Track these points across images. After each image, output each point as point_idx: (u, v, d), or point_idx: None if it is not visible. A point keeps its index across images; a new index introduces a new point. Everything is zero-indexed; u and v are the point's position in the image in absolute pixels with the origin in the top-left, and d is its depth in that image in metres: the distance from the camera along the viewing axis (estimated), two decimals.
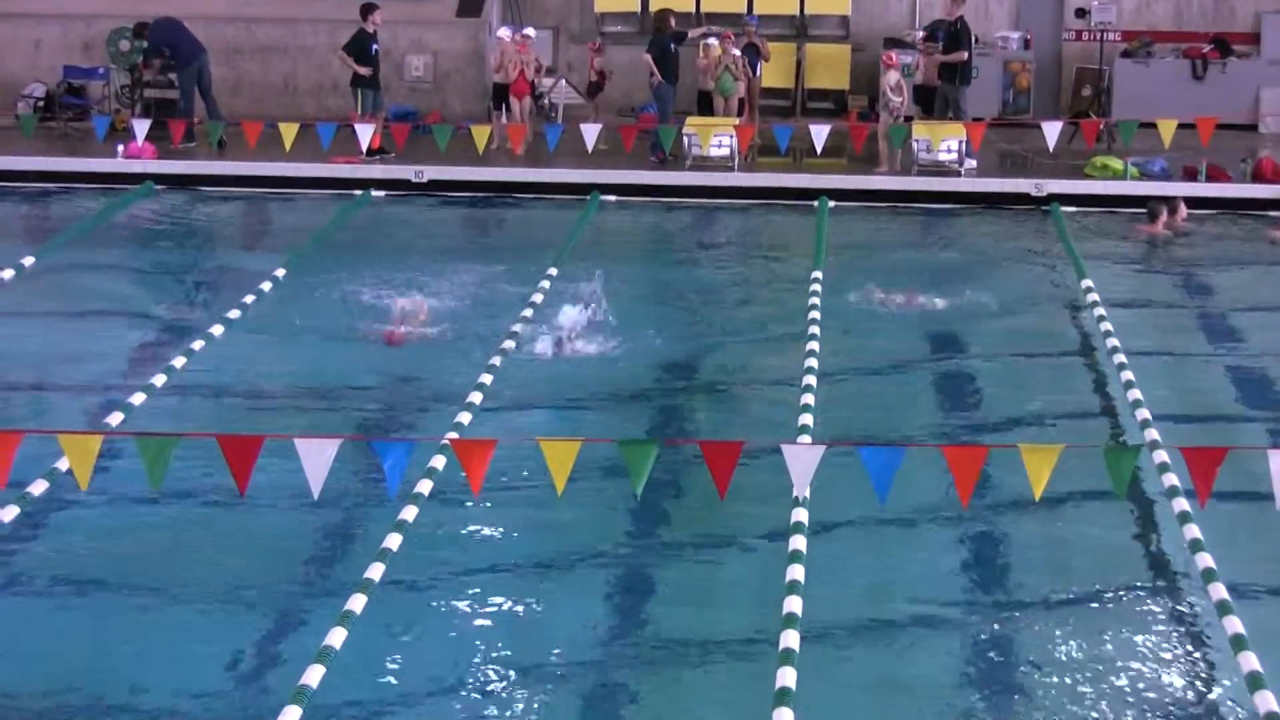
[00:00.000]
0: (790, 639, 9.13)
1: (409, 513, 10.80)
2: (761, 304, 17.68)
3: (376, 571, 10.01)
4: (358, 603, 9.58)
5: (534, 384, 14.11)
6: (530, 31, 24.10)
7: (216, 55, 25.16)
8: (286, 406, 13.67)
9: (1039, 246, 19.93)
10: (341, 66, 23.92)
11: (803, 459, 9.26)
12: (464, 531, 11.23)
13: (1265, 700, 8.64)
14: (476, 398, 13.32)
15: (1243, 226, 20.82)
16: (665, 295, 17.71)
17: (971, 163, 22.12)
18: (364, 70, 23.17)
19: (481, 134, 21.30)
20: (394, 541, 10.39)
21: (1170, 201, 20.44)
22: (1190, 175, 21.83)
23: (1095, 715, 9.09)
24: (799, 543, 10.40)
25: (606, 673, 9.51)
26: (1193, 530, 10.69)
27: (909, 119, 23.06)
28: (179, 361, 14.44)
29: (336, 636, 9.16)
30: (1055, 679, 9.49)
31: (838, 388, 14.04)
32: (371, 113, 23.13)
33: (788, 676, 8.71)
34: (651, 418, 13.52)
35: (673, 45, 23.51)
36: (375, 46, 23.36)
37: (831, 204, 21.16)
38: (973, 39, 23.41)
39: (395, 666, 9.44)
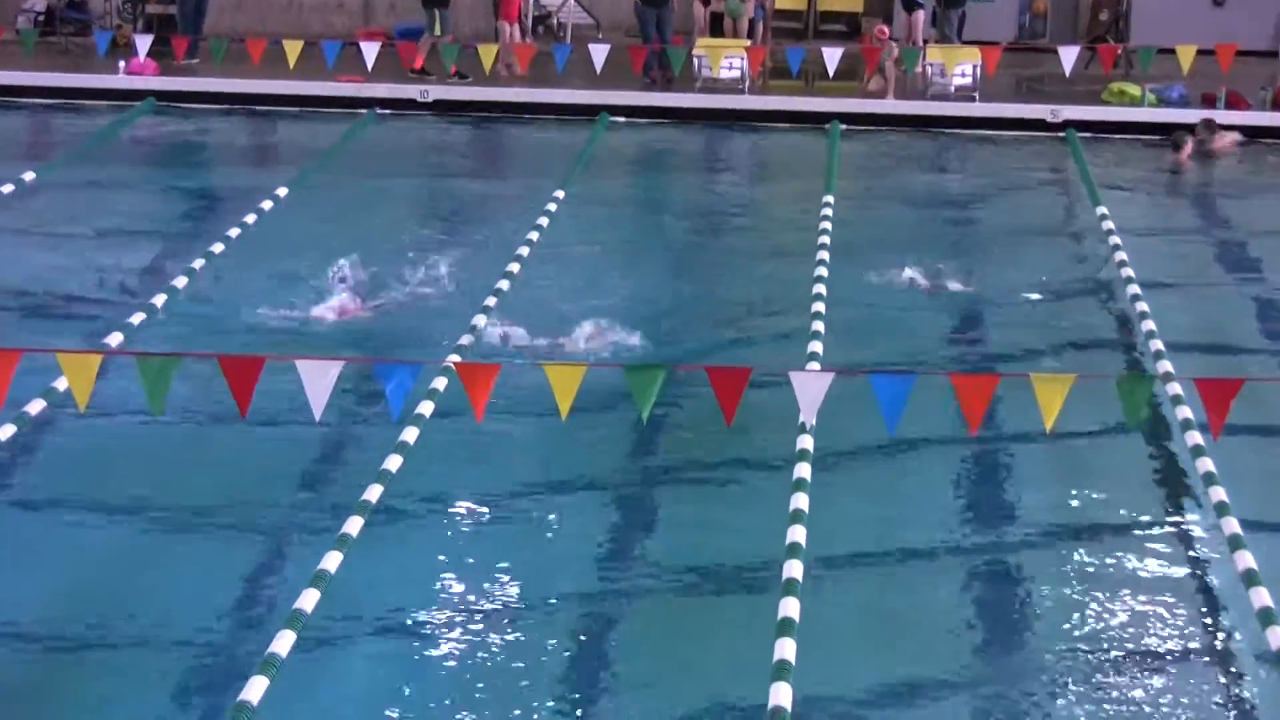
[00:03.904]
0: (794, 569, 9.07)
1: (410, 434, 10.74)
2: (771, 229, 17.58)
3: (374, 494, 9.97)
4: (354, 525, 9.54)
5: (538, 308, 14.02)
6: None
7: None
8: (289, 327, 13.60)
9: (1054, 173, 19.80)
10: None
11: (811, 386, 9.19)
12: (466, 457, 11.17)
13: (1277, 636, 8.59)
14: (480, 321, 13.25)
15: (1263, 154, 20.66)
16: (674, 219, 17.62)
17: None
18: None
19: (488, 53, 21.14)
20: (394, 464, 10.35)
21: (1208, 125, 20.26)
22: (1209, 102, 21.67)
23: (1103, 650, 9.05)
24: (804, 471, 10.34)
25: (608, 601, 9.48)
26: (1206, 464, 10.60)
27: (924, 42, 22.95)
28: (180, 281, 14.37)
29: (332, 560, 9.13)
30: (1063, 613, 9.44)
31: (847, 314, 13.95)
32: (452, 32, 22.83)
33: (790, 607, 8.66)
34: (658, 343, 13.44)
35: None
36: None
37: (843, 128, 21.01)
38: None
39: (393, 592, 9.41)
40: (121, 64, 22.38)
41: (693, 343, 13.72)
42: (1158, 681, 8.80)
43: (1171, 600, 9.59)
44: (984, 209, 18.06)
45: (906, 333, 14.02)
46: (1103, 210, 17.14)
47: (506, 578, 9.67)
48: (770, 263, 15.95)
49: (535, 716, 8.34)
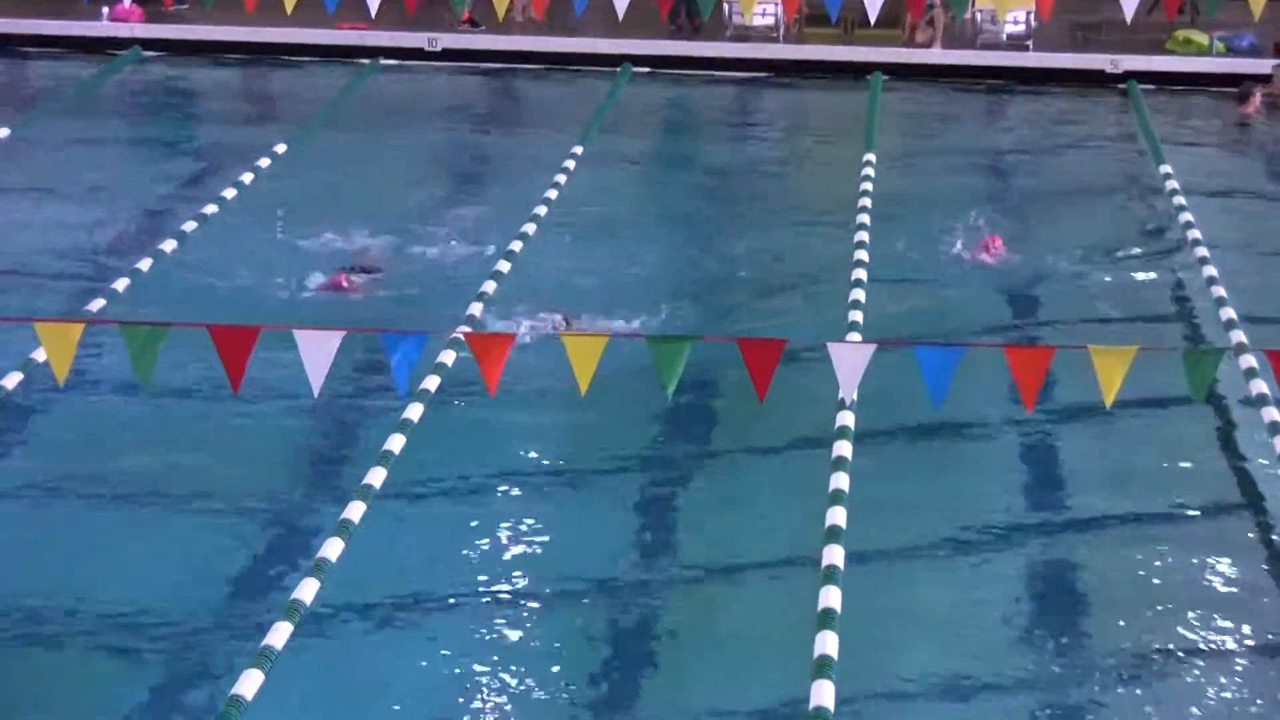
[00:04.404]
0: (834, 555, 9.00)
1: (415, 412, 10.68)
2: (807, 189, 17.53)
3: (377, 478, 9.91)
4: (356, 511, 9.50)
5: (555, 274, 13.97)
6: None
7: None
8: (286, 294, 13.57)
9: (1114, 129, 19.69)
10: None
11: (850, 358, 9.10)
12: (477, 435, 11.14)
13: None
14: (491, 287, 13.19)
15: None
16: (701, 180, 17.56)
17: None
18: None
19: None
20: (397, 444, 10.28)
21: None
22: None
23: (1168, 637, 8.99)
24: (844, 449, 10.27)
25: (632, 589, 9.44)
26: None
27: None
28: (169, 245, 14.33)
29: (333, 548, 9.08)
30: (1124, 599, 9.40)
31: (890, 282, 13.88)
32: None
33: (831, 596, 8.58)
34: (685, 312, 13.40)
35: None
36: None
37: (885, 79, 20.91)
38: None
39: (397, 581, 9.37)
40: (105, 10, 22.35)
41: (721, 312, 13.67)
42: (1228, 672, 8.76)
43: (1245, 588, 9.54)
44: (1037, 168, 17.95)
45: (953, 301, 13.96)
46: (1166, 168, 17.02)
47: (522, 564, 9.64)
48: (806, 226, 15.87)
49: (552, 707, 8.34)
